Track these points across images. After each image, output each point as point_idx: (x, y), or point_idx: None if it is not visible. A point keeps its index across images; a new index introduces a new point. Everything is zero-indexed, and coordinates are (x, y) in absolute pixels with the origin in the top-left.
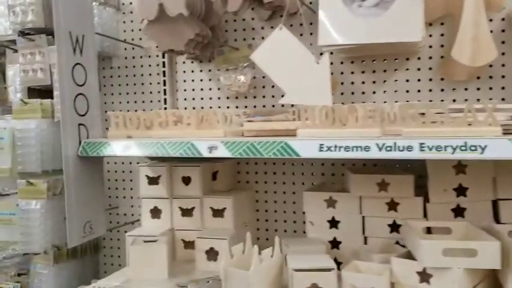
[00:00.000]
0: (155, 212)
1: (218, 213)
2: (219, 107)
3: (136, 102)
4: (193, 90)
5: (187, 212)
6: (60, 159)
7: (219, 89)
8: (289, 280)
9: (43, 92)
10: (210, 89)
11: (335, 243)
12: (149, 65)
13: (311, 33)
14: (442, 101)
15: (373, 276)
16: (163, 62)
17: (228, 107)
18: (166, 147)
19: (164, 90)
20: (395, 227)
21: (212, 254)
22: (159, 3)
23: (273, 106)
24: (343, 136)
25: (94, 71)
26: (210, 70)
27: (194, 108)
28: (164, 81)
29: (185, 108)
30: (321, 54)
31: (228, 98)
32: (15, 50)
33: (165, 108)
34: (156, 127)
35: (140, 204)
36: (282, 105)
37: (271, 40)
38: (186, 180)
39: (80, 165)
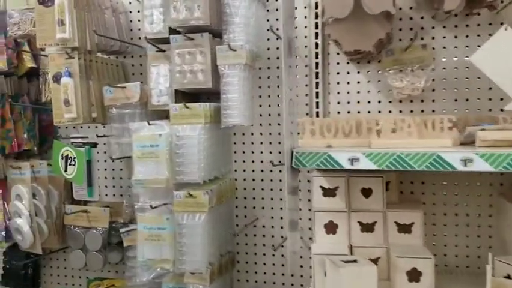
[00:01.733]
0: (331, 227)
1: (405, 228)
2: (379, 112)
3: (278, 105)
4: (348, 93)
5: (367, 227)
6: (219, 168)
7: (379, 91)
8: None
9: (189, 95)
10: (369, 92)
11: None
12: (296, 66)
13: None
14: None
15: None
16: (316, 63)
17: (389, 111)
18: (406, 160)
19: (317, 93)
20: None
21: (415, 274)
22: None
23: (455, 110)
24: None
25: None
26: (368, 71)
27: (349, 112)
28: (317, 83)
29: (339, 113)
30: None
31: (390, 102)
32: (160, 49)
33: (317, 113)
34: (372, 136)
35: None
36: (501, 110)
37: (493, 41)
38: (366, 192)
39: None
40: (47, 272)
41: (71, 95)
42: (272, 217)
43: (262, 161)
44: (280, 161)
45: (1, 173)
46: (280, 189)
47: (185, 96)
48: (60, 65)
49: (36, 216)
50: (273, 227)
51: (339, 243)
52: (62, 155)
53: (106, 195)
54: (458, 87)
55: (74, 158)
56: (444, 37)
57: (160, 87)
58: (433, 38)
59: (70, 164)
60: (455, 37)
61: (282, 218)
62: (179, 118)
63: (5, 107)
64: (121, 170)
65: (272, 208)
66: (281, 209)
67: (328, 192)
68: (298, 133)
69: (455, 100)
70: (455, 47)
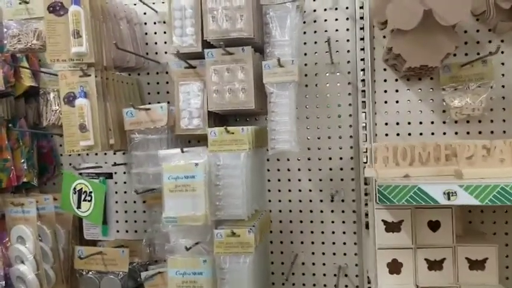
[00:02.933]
0: (395, 266)
1: (477, 264)
2: (432, 134)
3: (318, 128)
4: (398, 113)
5: (435, 265)
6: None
7: (432, 111)
8: None
9: (220, 116)
10: (421, 112)
11: None
12: (338, 84)
13: None
14: None
15: None
16: (362, 80)
17: (444, 133)
18: None
19: (365, 113)
20: None
21: None
22: (426, 8)
23: None
24: None
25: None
26: (419, 89)
27: (398, 134)
28: (364, 102)
29: (387, 135)
30: None
31: (444, 122)
32: (190, 65)
33: (365, 136)
34: (462, 163)
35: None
36: None
37: None
38: (434, 226)
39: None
40: None
41: (87, 118)
42: (313, 253)
43: (300, 190)
44: (333, 194)
45: None
46: (322, 221)
47: (217, 117)
48: (73, 83)
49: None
50: (314, 264)
51: (405, 284)
52: (75, 188)
53: (118, 231)
54: None
55: (91, 192)
56: (502, 52)
57: (190, 109)
58: (490, 52)
59: (84, 200)
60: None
61: (324, 253)
62: (219, 144)
63: (1, 133)
64: (135, 202)
65: (313, 243)
66: (323, 243)
67: (392, 227)
68: (365, 162)
69: (503, 121)
70: None
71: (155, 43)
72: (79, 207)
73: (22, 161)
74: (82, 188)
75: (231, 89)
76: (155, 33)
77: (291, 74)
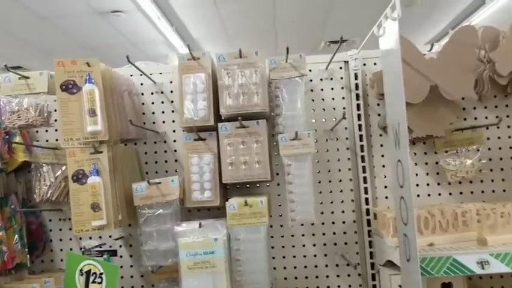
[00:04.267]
0: None
1: None
2: (429, 195)
3: (320, 193)
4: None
5: None
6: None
7: (427, 174)
8: None
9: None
10: (417, 175)
11: None
12: (337, 149)
13: None
14: None
15: None
16: (361, 146)
17: (439, 194)
18: None
19: (364, 178)
20: None
21: None
22: (432, 84)
23: (504, 191)
24: None
25: (407, 166)
26: (415, 153)
27: None
28: (364, 167)
29: (386, 198)
30: None
31: (438, 184)
32: (200, 138)
33: (366, 200)
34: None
35: None
36: None
37: None
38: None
39: None
40: None
41: (101, 197)
42: None
43: (305, 256)
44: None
45: None
46: (328, 287)
47: (223, 187)
48: (82, 161)
49: None
50: None
51: None
52: (81, 270)
53: None
54: (505, 167)
55: (101, 273)
56: (486, 117)
57: (201, 181)
58: (475, 118)
59: (93, 282)
60: (496, 117)
61: None
62: (239, 218)
63: None
64: (132, 277)
65: None
66: None
67: None
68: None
69: (503, 180)
70: (498, 127)
71: (153, 113)
72: None
73: (15, 241)
74: (90, 270)
75: (245, 162)
76: (153, 103)
77: (308, 146)
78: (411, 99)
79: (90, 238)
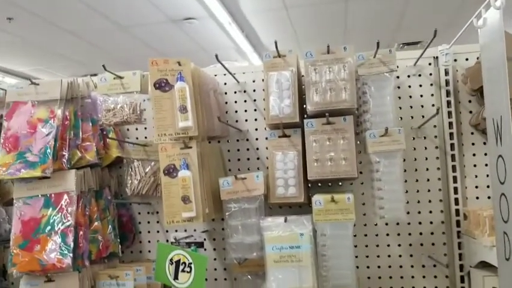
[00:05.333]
0: None
1: None
2: None
3: (407, 192)
4: (488, 176)
5: None
6: None
7: None
8: None
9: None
10: None
11: None
12: (425, 148)
13: None
14: None
15: None
16: (451, 144)
17: None
18: None
19: (454, 177)
20: None
21: None
22: None
23: None
24: None
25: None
26: None
27: (489, 197)
28: (454, 166)
29: (477, 198)
30: None
31: None
32: (285, 134)
33: (456, 200)
34: None
35: None
36: None
37: None
38: None
39: None
40: None
41: (191, 190)
42: None
43: (389, 256)
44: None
45: (88, 283)
46: (413, 287)
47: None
48: (173, 155)
49: None
50: None
51: None
52: (171, 259)
53: None
54: None
55: (190, 263)
56: None
57: (286, 177)
58: None
59: (183, 271)
60: None
61: None
62: (325, 214)
63: (92, 204)
64: (215, 269)
65: None
66: None
67: None
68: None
69: None
70: None
71: (236, 111)
72: (175, 278)
73: (109, 231)
74: (180, 259)
75: (332, 158)
76: (236, 102)
77: (399, 142)
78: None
79: (176, 231)
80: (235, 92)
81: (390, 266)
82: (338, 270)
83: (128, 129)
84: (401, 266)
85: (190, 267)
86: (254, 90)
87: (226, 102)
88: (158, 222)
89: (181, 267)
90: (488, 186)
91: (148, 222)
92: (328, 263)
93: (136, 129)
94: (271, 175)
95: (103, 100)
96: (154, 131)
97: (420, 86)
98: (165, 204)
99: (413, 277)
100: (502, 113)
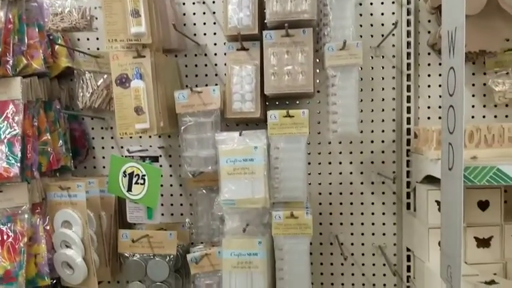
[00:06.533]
0: None
1: None
2: (472, 117)
3: (361, 111)
4: (440, 97)
5: (483, 243)
6: None
7: (473, 95)
8: None
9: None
10: None
11: None
12: (382, 67)
13: None
14: None
15: None
16: (408, 64)
17: (484, 117)
18: None
19: (408, 97)
20: None
21: None
22: None
23: None
24: None
25: (461, 76)
26: None
27: (440, 118)
28: (408, 86)
29: (429, 118)
30: None
31: (484, 106)
32: (243, 47)
33: (408, 119)
34: None
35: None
36: None
37: None
38: (483, 205)
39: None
40: None
41: (144, 101)
42: (352, 234)
43: (341, 173)
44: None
45: (38, 195)
46: (362, 203)
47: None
48: (125, 65)
49: None
50: (352, 244)
51: None
52: (125, 172)
53: (162, 214)
54: None
55: (144, 175)
56: None
57: (242, 92)
58: None
59: (136, 183)
60: None
61: (363, 234)
62: (280, 128)
63: (40, 115)
64: (171, 185)
65: (352, 224)
66: (362, 224)
67: None
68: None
69: None
70: None
71: (194, 24)
72: (129, 190)
73: (60, 144)
74: (133, 171)
75: (289, 72)
76: (194, 14)
77: (356, 57)
78: (467, 11)
79: (131, 146)
80: (193, 3)
81: (341, 183)
82: (289, 183)
83: (78, 39)
84: (351, 183)
85: (144, 180)
86: (214, 2)
87: (184, 14)
88: (112, 138)
89: (134, 179)
90: (440, 107)
91: (102, 138)
92: (280, 175)
93: (88, 39)
94: (228, 89)
95: (49, 4)
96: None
97: (382, 3)
98: (117, 116)
99: (362, 193)
100: (457, 24)
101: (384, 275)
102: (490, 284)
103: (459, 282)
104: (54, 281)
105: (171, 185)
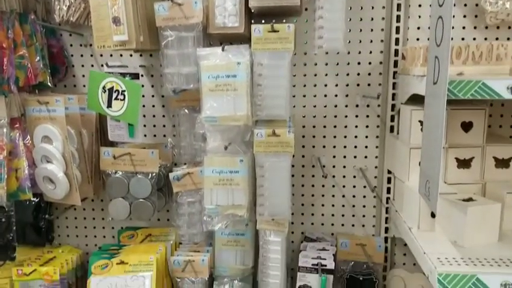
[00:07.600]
0: None
1: (503, 163)
2: (463, 39)
3: (350, 31)
4: (430, 16)
5: (464, 163)
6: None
7: (464, 16)
8: None
9: (257, 16)
10: (454, 16)
11: None
12: None
13: None
14: None
15: None
16: None
17: (474, 39)
18: None
19: (398, 16)
20: None
21: None
22: None
23: None
24: None
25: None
26: None
27: (429, 38)
28: (398, 5)
29: (418, 39)
30: None
31: (475, 27)
32: None
33: (396, 40)
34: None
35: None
36: None
37: None
38: (466, 126)
39: None
40: (62, 224)
41: (121, 11)
42: (334, 156)
43: (326, 95)
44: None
45: (17, 109)
46: (345, 126)
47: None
48: None
49: None
50: (334, 166)
51: None
52: (104, 87)
53: (145, 135)
54: None
55: (123, 91)
56: None
57: (226, 5)
58: None
59: (116, 99)
60: None
61: (345, 157)
62: (264, 43)
63: (16, 27)
64: (153, 106)
65: (334, 147)
66: (345, 147)
67: None
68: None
69: None
70: None
71: None
72: (109, 106)
73: (37, 59)
74: (113, 87)
75: None
76: None
77: None
78: None
79: (126, 66)
80: None
81: (325, 106)
82: (272, 100)
83: None
84: (336, 106)
85: (124, 95)
86: None
87: None
88: (92, 55)
89: (114, 95)
90: (429, 28)
91: (82, 55)
92: (263, 92)
93: None
94: (211, 3)
95: None
96: None
97: None
98: (95, 28)
99: (346, 116)
100: None
101: (364, 196)
102: (467, 201)
103: (436, 196)
104: (38, 199)
105: (153, 106)
